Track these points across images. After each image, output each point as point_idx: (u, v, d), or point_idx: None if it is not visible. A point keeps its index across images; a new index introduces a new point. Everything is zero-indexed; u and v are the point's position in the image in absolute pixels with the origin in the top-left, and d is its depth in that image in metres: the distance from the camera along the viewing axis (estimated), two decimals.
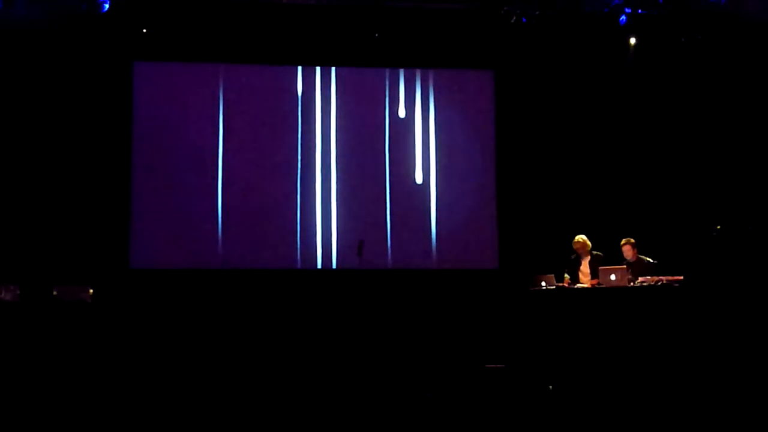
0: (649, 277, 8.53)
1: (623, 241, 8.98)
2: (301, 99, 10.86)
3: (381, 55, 10.89)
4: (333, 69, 10.94)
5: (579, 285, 8.93)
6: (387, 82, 10.99)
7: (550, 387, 7.05)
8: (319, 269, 10.65)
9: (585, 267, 9.17)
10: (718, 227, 9.30)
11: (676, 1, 10.84)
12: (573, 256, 9.28)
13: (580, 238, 9.25)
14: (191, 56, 10.70)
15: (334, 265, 10.66)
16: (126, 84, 10.52)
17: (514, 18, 10.69)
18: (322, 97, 10.89)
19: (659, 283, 8.38)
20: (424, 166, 10.96)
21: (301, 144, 10.79)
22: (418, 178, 10.93)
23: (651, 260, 8.88)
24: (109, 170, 10.34)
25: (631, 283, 8.45)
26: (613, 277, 8.44)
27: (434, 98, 11.05)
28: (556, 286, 8.79)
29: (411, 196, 10.89)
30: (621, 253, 8.98)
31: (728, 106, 10.94)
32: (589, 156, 10.92)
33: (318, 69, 10.92)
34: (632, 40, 10.90)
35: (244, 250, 10.51)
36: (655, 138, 10.97)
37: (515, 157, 10.96)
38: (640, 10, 10.85)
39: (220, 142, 10.66)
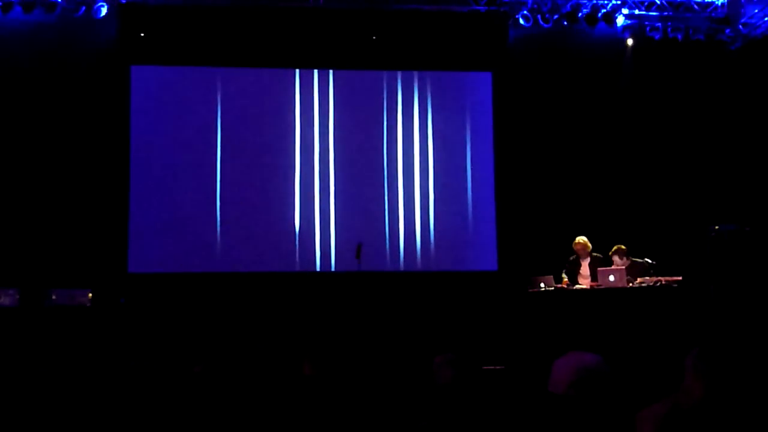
0: (647, 278, 8.53)
1: (612, 250, 8.95)
2: (299, 102, 10.86)
3: (379, 57, 10.90)
4: (331, 72, 10.94)
5: (578, 286, 8.92)
6: (385, 85, 11.00)
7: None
8: (317, 272, 10.65)
9: (585, 269, 9.15)
10: (716, 228, 9.31)
11: (673, 4, 10.88)
12: (572, 258, 9.26)
13: (581, 239, 9.22)
14: (188, 60, 10.70)
15: (332, 268, 10.65)
16: (123, 88, 10.51)
17: (512, 20, 10.74)
18: (319, 100, 10.90)
19: (658, 284, 8.38)
20: (423, 168, 10.97)
21: (300, 147, 10.79)
22: (417, 180, 10.93)
23: (648, 261, 8.87)
24: (107, 174, 10.33)
25: (630, 284, 8.45)
26: (611, 278, 8.44)
27: (432, 100, 11.05)
28: (555, 287, 8.78)
29: (409, 198, 10.89)
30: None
31: (726, 107, 10.96)
32: (588, 158, 10.92)
33: (316, 72, 10.93)
34: (630, 42, 10.93)
35: (242, 253, 10.50)
36: (653, 139, 10.97)
37: (514, 159, 10.96)
38: (637, 12, 10.90)
39: (218, 145, 10.65)
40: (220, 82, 10.77)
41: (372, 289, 10.38)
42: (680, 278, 8.42)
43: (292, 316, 10.09)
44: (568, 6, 10.68)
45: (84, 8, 10.16)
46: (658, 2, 10.86)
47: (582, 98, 10.98)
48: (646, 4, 10.90)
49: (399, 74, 11.04)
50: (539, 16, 10.68)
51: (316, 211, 10.71)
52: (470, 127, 11.09)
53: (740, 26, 10.91)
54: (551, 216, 10.63)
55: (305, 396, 6.99)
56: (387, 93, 11.00)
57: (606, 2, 10.78)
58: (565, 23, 10.80)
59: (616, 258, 8.86)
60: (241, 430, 5.99)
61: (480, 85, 11.16)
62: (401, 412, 6.26)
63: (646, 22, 10.88)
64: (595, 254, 9.16)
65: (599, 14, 10.76)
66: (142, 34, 10.48)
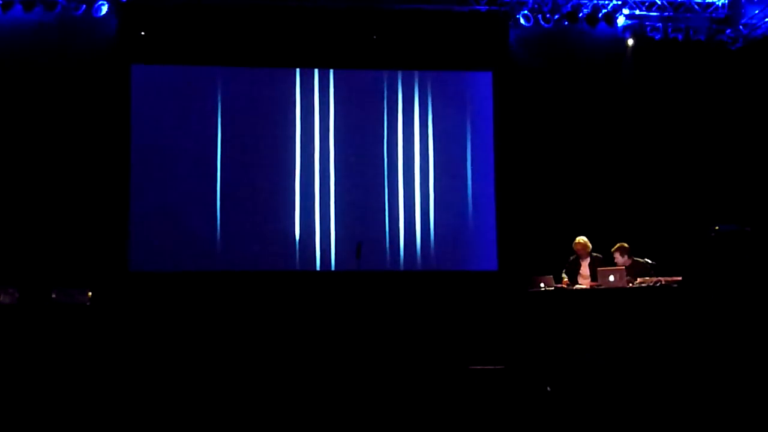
0: (647, 278, 8.53)
1: (614, 248, 8.94)
2: (300, 101, 10.86)
3: (379, 57, 10.90)
4: (331, 71, 10.95)
5: (578, 286, 8.92)
6: (385, 84, 11.00)
7: (548, 389, 7.04)
8: (317, 271, 10.65)
9: (585, 269, 9.14)
10: (717, 228, 9.30)
11: (674, 4, 10.89)
12: (572, 258, 9.25)
13: (581, 239, 9.21)
14: (189, 59, 10.70)
15: (332, 267, 10.66)
16: (124, 87, 10.51)
17: (513, 20, 10.75)
18: (320, 100, 10.90)
19: (658, 284, 8.38)
20: (423, 167, 10.97)
21: (300, 146, 10.79)
22: (417, 180, 10.94)
23: (649, 261, 8.87)
24: (107, 173, 10.34)
25: (630, 284, 8.45)
26: (611, 278, 8.43)
27: (433, 100, 11.05)
28: (555, 287, 8.78)
29: (409, 198, 10.89)
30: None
31: (726, 108, 10.97)
32: (588, 158, 10.92)
33: (316, 71, 10.93)
34: (630, 42, 10.93)
35: (242, 252, 10.51)
36: (653, 140, 10.98)
37: (514, 159, 10.96)
38: (638, 12, 10.91)
39: (218, 144, 10.66)
40: (221, 81, 10.77)
41: (372, 288, 10.39)
42: (680, 278, 8.41)
43: (292, 315, 10.10)
44: (569, 6, 10.70)
45: (84, 7, 10.18)
46: (659, 2, 10.87)
47: (582, 98, 10.98)
48: (646, 4, 10.91)
49: (399, 74, 11.04)
50: (540, 16, 10.71)
51: (316, 210, 10.71)
52: (470, 126, 11.10)
53: (741, 27, 10.92)
54: (551, 216, 10.63)
55: (305, 395, 7.00)
56: (387, 92, 11.00)
57: (607, 2, 10.80)
58: (566, 23, 10.82)
59: (617, 255, 8.85)
60: (241, 429, 5.99)
61: (480, 84, 11.16)
62: (400, 410, 6.27)
63: (647, 23, 10.89)
64: (595, 254, 9.15)
65: (600, 14, 10.78)
66: (143, 33, 10.49)
